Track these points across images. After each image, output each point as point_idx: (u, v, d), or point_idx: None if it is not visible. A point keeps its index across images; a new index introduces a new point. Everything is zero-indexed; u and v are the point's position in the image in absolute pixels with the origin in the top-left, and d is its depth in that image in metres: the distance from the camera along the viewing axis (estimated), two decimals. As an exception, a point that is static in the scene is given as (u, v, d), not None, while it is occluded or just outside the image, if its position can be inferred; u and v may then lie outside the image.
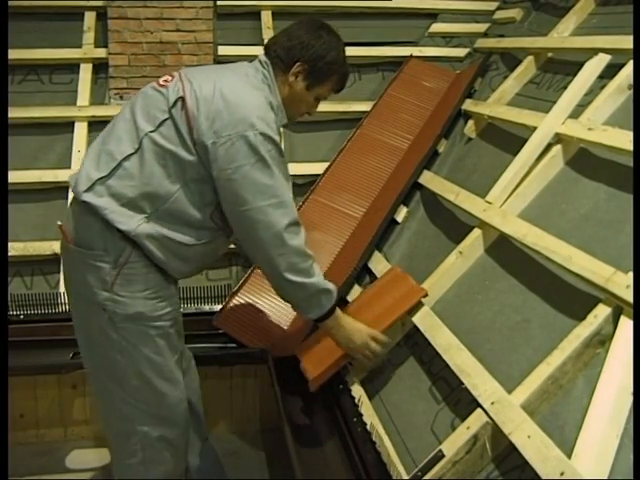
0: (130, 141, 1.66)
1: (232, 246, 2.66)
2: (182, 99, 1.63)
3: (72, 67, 3.01)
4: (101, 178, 1.64)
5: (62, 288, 2.45)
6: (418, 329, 1.88)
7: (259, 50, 3.10)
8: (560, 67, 2.42)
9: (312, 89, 1.79)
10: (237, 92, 1.64)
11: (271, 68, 1.77)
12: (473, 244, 1.99)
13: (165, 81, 1.72)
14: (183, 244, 1.70)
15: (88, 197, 1.63)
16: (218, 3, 3.09)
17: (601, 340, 1.42)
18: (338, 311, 1.82)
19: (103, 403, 1.83)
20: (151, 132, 1.64)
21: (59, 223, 1.75)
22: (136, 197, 1.64)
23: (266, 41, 1.86)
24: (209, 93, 1.62)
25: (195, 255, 1.76)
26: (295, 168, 2.89)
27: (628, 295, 1.37)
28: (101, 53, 2.99)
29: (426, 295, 1.92)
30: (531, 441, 1.32)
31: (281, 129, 1.77)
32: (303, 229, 1.71)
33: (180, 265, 1.74)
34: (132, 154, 1.64)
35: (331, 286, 1.77)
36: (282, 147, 1.68)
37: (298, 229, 1.69)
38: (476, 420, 1.48)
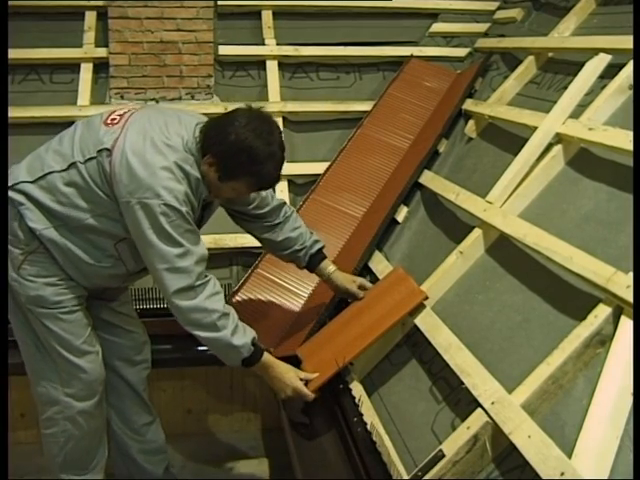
0: (62, 160, 1.76)
1: (232, 245, 2.70)
2: (109, 150, 1.70)
3: (73, 67, 3.00)
4: (25, 182, 1.77)
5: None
6: (418, 329, 1.87)
7: (259, 50, 3.16)
8: (561, 67, 2.42)
9: (225, 182, 1.75)
10: (155, 158, 1.68)
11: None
12: (473, 244, 1.99)
13: (112, 120, 1.77)
14: (83, 260, 1.82)
15: (11, 193, 1.78)
16: (219, 3, 3.09)
17: (601, 340, 1.42)
18: (265, 362, 1.85)
19: (32, 371, 1.94)
20: (80, 162, 1.74)
21: None
22: (49, 209, 1.77)
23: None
24: (134, 150, 1.68)
25: (93, 274, 1.86)
26: (296, 168, 2.89)
27: (628, 295, 1.37)
28: (102, 53, 2.99)
29: (426, 298, 1.91)
30: (531, 441, 1.32)
31: (203, 194, 1.77)
32: (206, 288, 1.75)
33: (79, 276, 1.85)
34: (58, 172, 1.76)
35: (240, 342, 1.77)
36: (193, 213, 1.73)
37: (193, 292, 1.73)
38: (476, 420, 1.48)
